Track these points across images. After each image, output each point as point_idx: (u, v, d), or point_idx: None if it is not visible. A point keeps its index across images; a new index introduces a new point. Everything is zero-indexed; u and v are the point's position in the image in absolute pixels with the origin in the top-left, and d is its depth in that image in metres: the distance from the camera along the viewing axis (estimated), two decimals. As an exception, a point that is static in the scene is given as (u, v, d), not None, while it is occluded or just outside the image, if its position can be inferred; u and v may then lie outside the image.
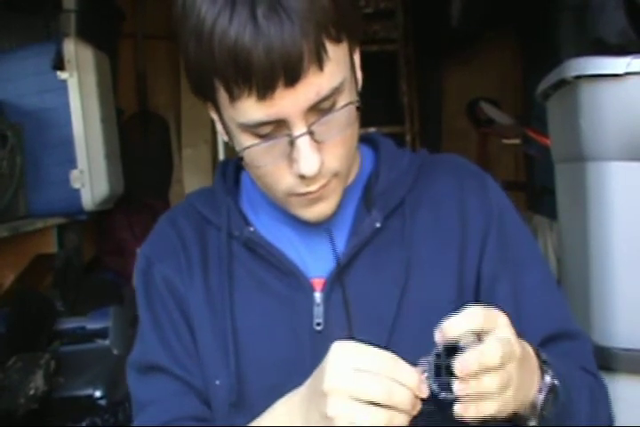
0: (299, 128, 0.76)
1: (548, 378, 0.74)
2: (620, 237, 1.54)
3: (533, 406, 0.74)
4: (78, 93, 2.61)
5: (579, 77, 1.55)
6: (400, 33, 3.86)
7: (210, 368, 0.87)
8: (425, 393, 0.66)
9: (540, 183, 3.49)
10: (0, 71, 2.61)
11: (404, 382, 0.65)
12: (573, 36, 2.23)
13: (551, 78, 1.74)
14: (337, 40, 0.75)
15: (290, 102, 0.74)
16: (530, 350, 0.74)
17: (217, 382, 0.86)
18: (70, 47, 2.60)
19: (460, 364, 0.63)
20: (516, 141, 3.74)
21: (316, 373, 0.70)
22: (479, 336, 0.66)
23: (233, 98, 0.75)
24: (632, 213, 1.53)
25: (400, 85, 3.88)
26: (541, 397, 0.74)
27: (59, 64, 2.57)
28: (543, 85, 1.86)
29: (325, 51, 0.74)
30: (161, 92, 3.80)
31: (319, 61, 0.73)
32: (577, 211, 1.69)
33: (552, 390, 0.74)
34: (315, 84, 0.74)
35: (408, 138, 3.85)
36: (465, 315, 0.66)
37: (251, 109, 0.75)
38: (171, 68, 3.71)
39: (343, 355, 0.66)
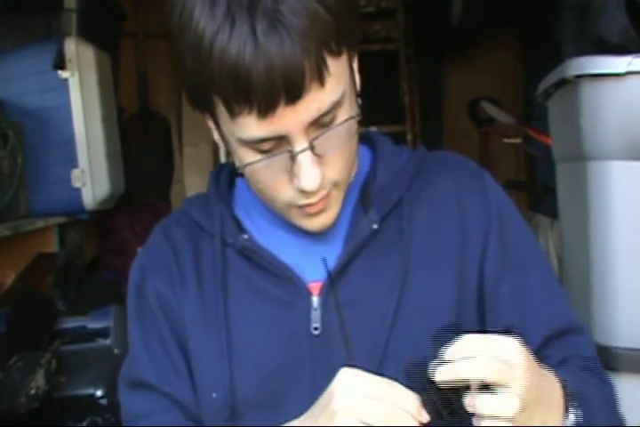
0: (300, 144, 0.76)
1: (572, 416, 0.74)
2: (621, 237, 1.54)
3: None
4: (79, 93, 2.60)
5: (580, 77, 1.55)
6: (401, 32, 3.86)
7: (206, 381, 0.87)
8: (425, 418, 0.67)
9: (541, 183, 3.49)
10: (1, 70, 2.61)
11: (406, 407, 0.67)
12: (574, 35, 2.23)
13: (552, 77, 1.74)
14: (337, 54, 0.74)
15: (291, 119, 0.73)
16: (556, 387, 0.74)
17: (214, 395, 0.86)
18: (71, 46, 2.60)
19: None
20: (517, 141, 3.74)
21: (322, 397, 0.72)
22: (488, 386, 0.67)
23: (233, 114, 0.74)
24: (633, 213, 1.53)
25: (401, 85, 3.87)
26: None
27: (60, 63, 2.57)
28: (544, 85, 1.86)
29: (326, 67, 0.73)
30: (162, 91, 3.80)
31: (320, 78, 0.72)
32: (578, 210, 1.69)
33: None
34: (316, 101, 0.73)
35: (409, 137, 3.85)
36: (478, 364, 0.65)
37: (251, 126, 0.74)
38: (172, 68, 3.70)
39: (351, 381, 0.69)
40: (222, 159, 3.73)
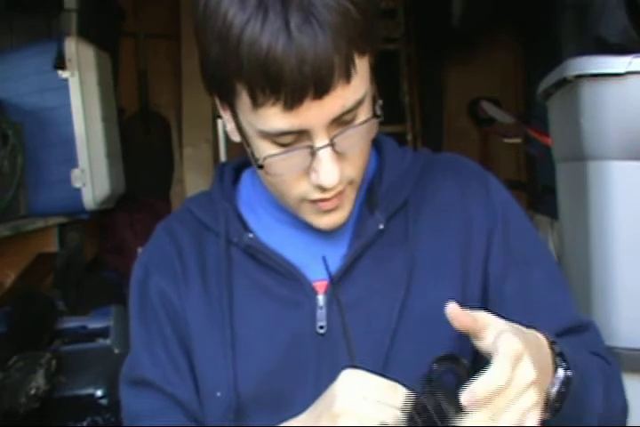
0: (321, 139, 0.76)
1: (560, 371, 0.73)
2: (621, 237, 1.54)
3: (546, 399, 0.73)
4: (79, 93, 2.60)
5: (580, 77, 1.55)
6: (401, 32, 3.87)
7: (210, 380, 0.87)
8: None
9: (541, 182, 3.49)
10: (1, 70, 2.61)
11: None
12: (574, 35, 2.22)
13: (552, 77, 1.74)
14: (363, 53, 0.75)
15: (315, 114, 0.73)
16: (544, 342, 0.74)
17: (218, 394, 0.86)
18: (71, 46, 2.60)
19: (467, 395, 0.62)
20: (517, 141, 3.73)
21: (324, 397, 0.72)
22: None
23: (256, 105, 0.74)
24: (633, 213, 1.53)
25: (401, 85, 3.88)
26: (554, 390, 0.73)
27: (60, 63, 2.57)
28: (544, 85, 1.86)
29: (354, 64, 0.73)
30: (162, 91, 3.79)
31: (347, 75, 0.73)
32: (578, 210, 1.69)
33: (565, 383, 0.73)
34: (341, 97, 0.74)
35: (409, 137, 3.86)
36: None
37: (274, 118, 0.74)
38: (172, 68, 3.70)
39: (354, 383, 0.69)
40: (222, 159, 3.73)
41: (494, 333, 0.67)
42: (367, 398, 0.67)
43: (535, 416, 0.65)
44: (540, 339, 0.74)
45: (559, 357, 0.74)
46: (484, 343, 0.68)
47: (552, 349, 0.74)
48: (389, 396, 0.68)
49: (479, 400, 0.62)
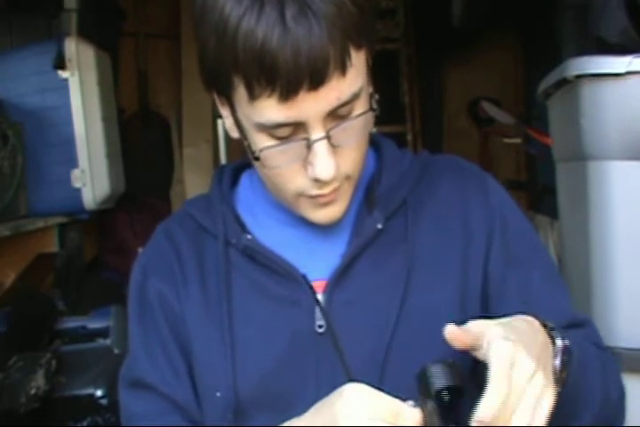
0: (317, 132, 0.76)
1: (558, 342, 0.74)
2: (621, 237, 1.55)
3: (553, 371, 0.73)
4: (79, 93, 2.61)
5: (580, 77, 1.55)
6: (401, 32, 3.87)
7: (210, 380, 0.87)
8: None
9: (541, 182, 3.49)
10: (1, 70, 2.62)
11: None
12: (575, 35, 2.23)
13: (552, 77, 1.74)
14: (359, 46, 0.76)
15: (311, 106, 0.74)
16: (535, 323, 0.75)
17: (217, 394, 0.86)
18: (71, 46, 2.60)
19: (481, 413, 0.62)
20: (517, 141, 3.74)
21: (324, 411, 0.71)
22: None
23: (253, 97, 0.75)
24: (632, 213, 1.53)
25: (401, 85, 3.88)
26: (558, 361, 0.73)
27: (60, 63, 2.57)
28: (544, 85, 1.86)
29: (349, 57, 0.74)
30: (162, 91, 3.79)
31: (343, 67, 0.74)
32: (578, 210, 1.69)
33: (565, 351, 0.74)
34: (336, 90, 0.74)
35: (409, 137, 3.86)
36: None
37: (270, 110, 0.75)
38: (172, 67, 3.71)
39: (357, 402, 0.68)
40: (222, 159, 3.74)
41: (486, 342, 0.67)
42: (372, 418, 0.67)
43: (549, 399, 0.65)
44: (532, 322, 0.74)
45: (553, 330, 0.75)
46: (479, 353, 0.69)
47: (544, 326, 0.75)
48: (394, 415, 0.67)
49: (487, 422, 0.62)
